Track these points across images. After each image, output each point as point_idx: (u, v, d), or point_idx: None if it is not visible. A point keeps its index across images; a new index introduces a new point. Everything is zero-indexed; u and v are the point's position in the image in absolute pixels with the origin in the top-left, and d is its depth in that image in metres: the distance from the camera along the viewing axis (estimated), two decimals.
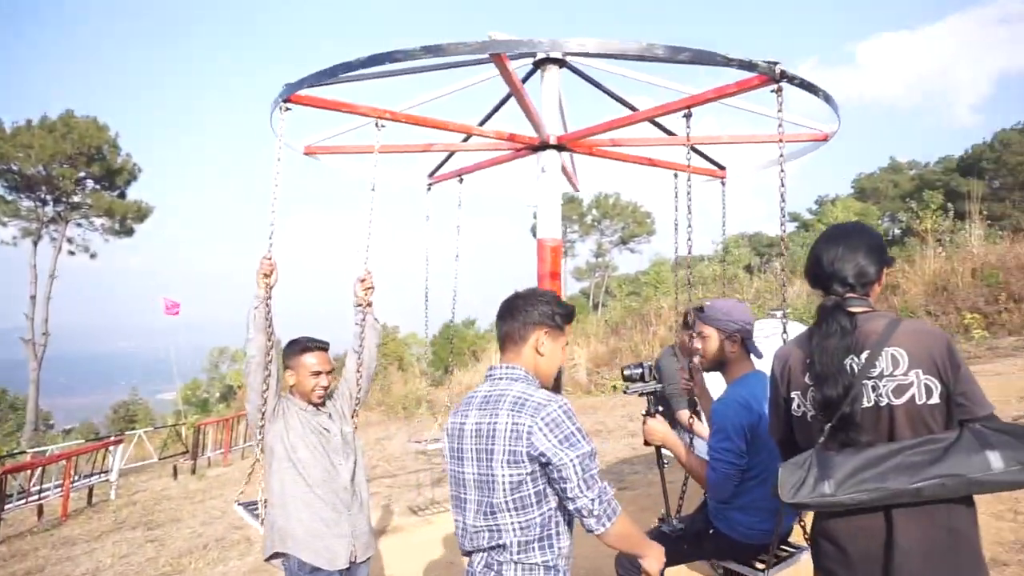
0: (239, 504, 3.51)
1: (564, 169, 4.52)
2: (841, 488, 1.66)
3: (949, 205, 17.37)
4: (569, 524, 1.98)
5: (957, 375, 1.73)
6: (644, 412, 2.76)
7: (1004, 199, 36.31)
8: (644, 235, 41.77)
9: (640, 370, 2.81)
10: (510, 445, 1.84)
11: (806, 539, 2.30)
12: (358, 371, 3.07)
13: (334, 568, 2.74)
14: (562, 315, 2.10)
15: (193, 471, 13.31)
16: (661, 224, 43.39)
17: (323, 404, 2.95)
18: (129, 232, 28.58)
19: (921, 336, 1.76)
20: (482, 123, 4.16)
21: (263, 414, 2.79)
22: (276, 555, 2.76)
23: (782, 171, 2.86)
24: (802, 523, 2.47)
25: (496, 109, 4.12)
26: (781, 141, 2.90)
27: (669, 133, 4.03)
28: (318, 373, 2.89)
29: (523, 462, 1.83)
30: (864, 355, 1.74)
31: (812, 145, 4.00)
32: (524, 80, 3.65)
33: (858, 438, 1.73)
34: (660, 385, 2.92)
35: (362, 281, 3.17)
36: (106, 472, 11.81)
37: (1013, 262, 12.63)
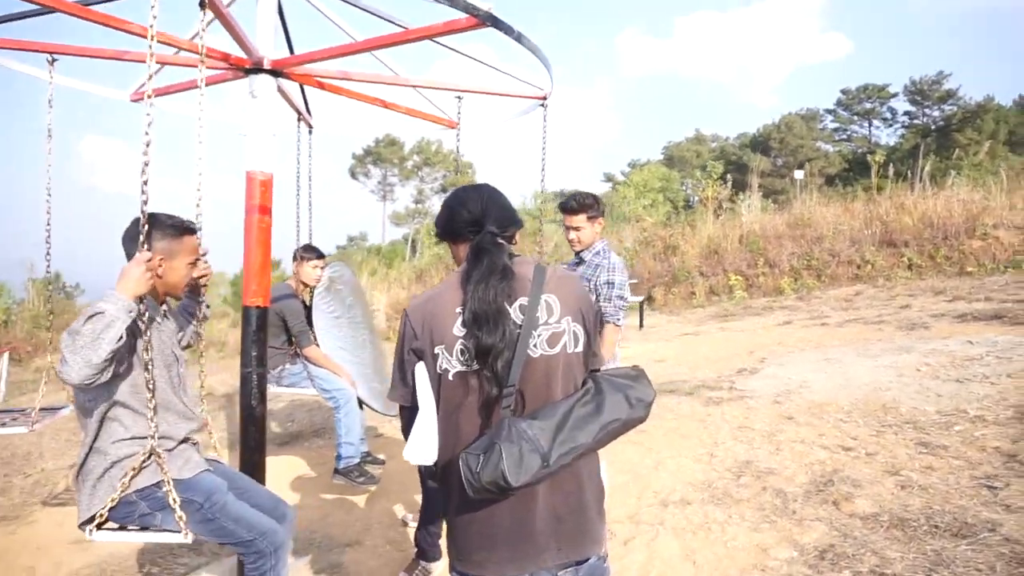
0: None
1: (291, 101, 4.14)
2: (552, 456, 1.47)
3: (728, 176, 18.95)
4: None
5: (596, 324, 1.71)
6: None
7: (784, 176, 40.74)
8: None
9: None
10: None
11: None
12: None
13: None
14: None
15: None
16: (482, 174, 43.72)
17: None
18: None
19: (567, 282, 1.68)
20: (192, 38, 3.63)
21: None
22: None
23: None
24: None
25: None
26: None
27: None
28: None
29: None
30: (520, 301, 1.60)
31: (534, 103, 3.96)
32: None
33: (516, 393, 1.56)
34: None
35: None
36: None
37: (772, 231, 14.09)
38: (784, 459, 4.29)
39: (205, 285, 2.60)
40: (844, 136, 48.18)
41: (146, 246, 2.07)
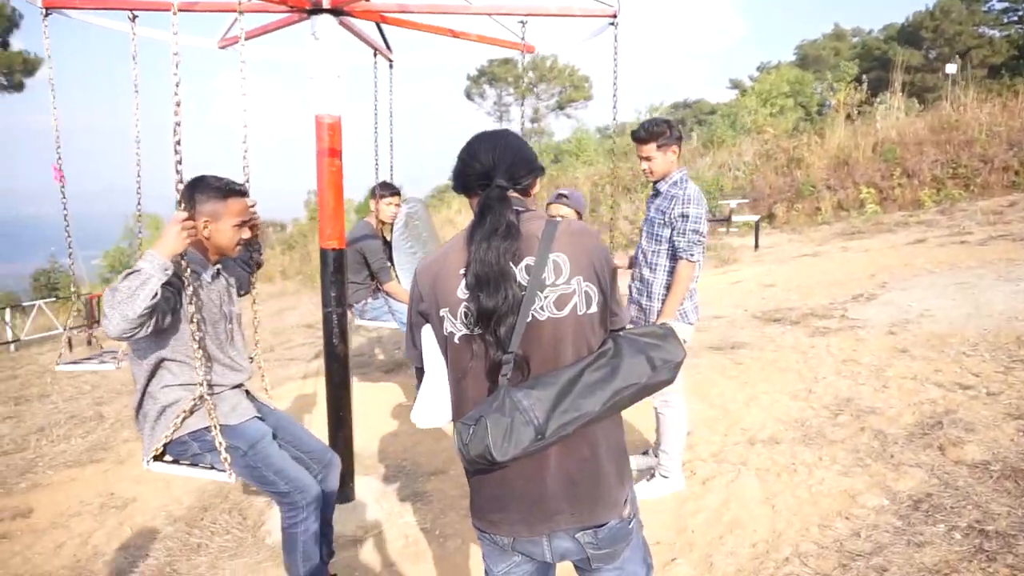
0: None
1: (365, 38, 4.06)
2: (549, 428, 1.40)
3: (864, 77, 17.13)
4: None
5: (613, 281, 1.61)
6: None
7: (938, 71, 36.18)
8: (582, 100, 40.54)
9: None
10: None
11: None
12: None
13: None
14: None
15: (89, 343, 13.00)
16: (599, 89, 42.13)
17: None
18: (19, 87, 26.11)
19: (579, 238, 1.56)
20: None
21: None
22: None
23: None
24: None
25: None
26: None
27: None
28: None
29: None
30: (527, 261, 1.51)
31: (604, 23, 3.66)
32: None
33: (521, 360, 1.49)
34: None
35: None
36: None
37: (911, 137, 12.71)
38: (890, 397, 3.97)
39: (256, 236, 2.65)
40: (1015, 17, 41.83)
41: (183, 206, 2.15)
